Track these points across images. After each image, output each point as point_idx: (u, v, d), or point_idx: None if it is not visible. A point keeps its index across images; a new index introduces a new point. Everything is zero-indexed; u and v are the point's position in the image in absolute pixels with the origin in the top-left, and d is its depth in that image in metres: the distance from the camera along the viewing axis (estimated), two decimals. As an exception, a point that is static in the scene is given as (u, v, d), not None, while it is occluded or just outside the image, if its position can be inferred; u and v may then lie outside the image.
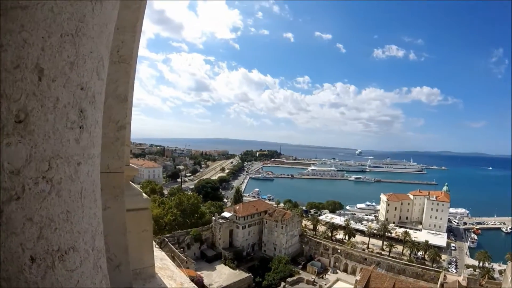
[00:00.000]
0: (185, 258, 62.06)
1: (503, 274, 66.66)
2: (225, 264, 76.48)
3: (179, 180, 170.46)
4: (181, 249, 69.99)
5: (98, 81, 1.61)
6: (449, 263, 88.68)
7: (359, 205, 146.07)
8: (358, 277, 61.29)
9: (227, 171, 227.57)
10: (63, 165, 1.38)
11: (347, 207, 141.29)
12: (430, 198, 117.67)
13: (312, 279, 73.27)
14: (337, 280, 67.52)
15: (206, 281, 61.74)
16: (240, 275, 72.05)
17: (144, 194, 4.25)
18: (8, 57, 1.20)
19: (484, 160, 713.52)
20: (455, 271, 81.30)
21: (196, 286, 4.47)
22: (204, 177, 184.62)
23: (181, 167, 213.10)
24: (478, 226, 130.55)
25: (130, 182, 4.28)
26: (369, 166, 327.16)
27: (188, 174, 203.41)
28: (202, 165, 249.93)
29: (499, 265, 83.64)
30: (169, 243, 67.36)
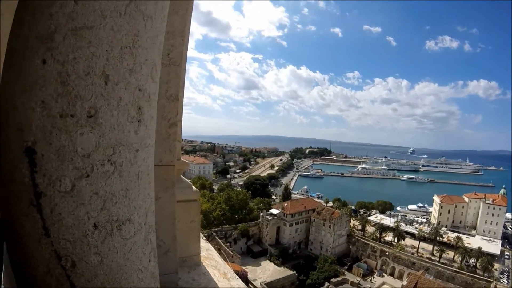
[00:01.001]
0: (231, 253, 63.14)
1: None
2: (270, 261, 77.18)
3: (228, 176, 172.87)
4: (228, 244, 71.19)
5: (152, 83, 1.88)
6: (501, 273, 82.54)
7: (410, 207, 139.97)
8: (404, 282, 59.91)
9: (276, 168, 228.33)
10: (124, 151, 1.67)
11: (398, 208, 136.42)
12: (486, 202, 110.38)
13: (357, 281, 72.01)
14: (383, 284, 66.25)
15: (250, 276, 62.46)
16: (284, 272, 72.42)
17: (193, 187, 4.57)
18: (80, 67, 1.50)
19: None
20: (506, 282, 75.99)
21: (237, 277, 4.71)
22: (253, 173, 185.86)
23: (231, 163, 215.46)
24: None
25: (181, 176, 4.59)
26: (423, 166, 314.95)
27: (238, 171, 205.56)
28: (252, 162, 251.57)
29: None
30: (216, 237, 68.81)
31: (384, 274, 79.37)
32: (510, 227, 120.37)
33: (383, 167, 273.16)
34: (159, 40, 1.91)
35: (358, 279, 73.78)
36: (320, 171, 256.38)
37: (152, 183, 1.98)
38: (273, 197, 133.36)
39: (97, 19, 1.56)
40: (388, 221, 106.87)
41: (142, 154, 1.83)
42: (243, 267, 60.85)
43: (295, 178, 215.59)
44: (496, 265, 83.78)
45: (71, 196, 1.52)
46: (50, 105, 1.49)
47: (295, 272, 73.49)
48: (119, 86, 1.65)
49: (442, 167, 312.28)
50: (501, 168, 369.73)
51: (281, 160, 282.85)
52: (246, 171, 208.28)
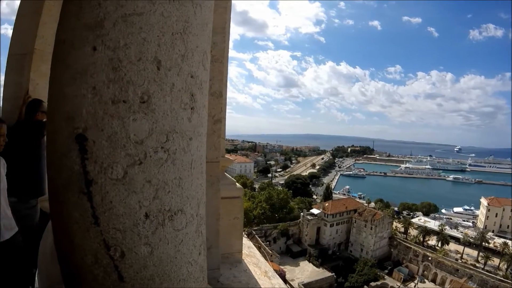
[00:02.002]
0: (270, 252, 63.40)
1: None
2: (309, 261, 77.13)
3: (269, 175, 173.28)
4: (268, 243, 71.67)
5: (204, 71, 1.89)
6: None
7: (456, 209, 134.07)
8: (446, 289, 58.07)
9: (317, 167, 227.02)
10: (178, 139, 1.64)
11: (443, 211, 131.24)
12: None
13: (397, 286, 70.73)
14: (423, 290, 64.39)
15: (288, 276, 62.70)
16: (323, 273, 72.06)
17: (237, 184, 4.61)
18: (132, 52, 1.49)
19: None
20: None
21: (277, 275, 4.72)
22: (295, 172, 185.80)
23: (272, 162, 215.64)
24: None
25: (225, 173, 4.64)
26: (470, 165, 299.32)
27: (279, 170, 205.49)
28: (293, 161, 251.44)
29: None
30: (256, 235, 69.29)
31: (425, 280, 77.17)
32: None
33: (427, 167, 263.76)
34: (208, 29, 1.91)
35: (398, 284, 72.48)
36: (362, 170, 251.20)
37: (204, 174, 2.00)
38: (314, 196, 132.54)
39: (146, 5, 1.55)
40: (432, 224, 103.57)
41: (195, 142, 1.81)
42: (281, 267, 61.13)
43: (336, 177, 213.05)
44: None
45: (122, 183, 1.49)
46: (102, 91, 1.47)
47: (333, 274, 72.88)
48: (172, 72, 1.63)
49: (491, 166, 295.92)
50: None
51: (322, 159, 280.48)
52: (287, 170, 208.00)
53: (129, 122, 1.50)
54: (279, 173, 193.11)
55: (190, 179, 1.79)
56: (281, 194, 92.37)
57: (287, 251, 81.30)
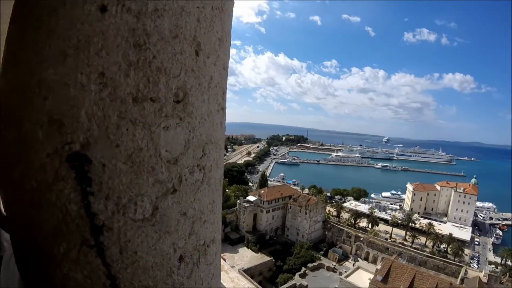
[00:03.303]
0: (210, 239, 63.51)
1: None
2: (248, 247, 78.00)
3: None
4: (206, 231, 71.53)
5: (228, 63, 1.58)
6: (472, 258, 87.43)
7: (384, 194, 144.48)
8: (378, 267, 61.39)
9: (253, 155, 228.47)
10: (213, 152, 1.34)
11: (372, 195, 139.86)
12: (458, 190, 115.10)
13: (333, 266, 74.11)
14: (358, 268, 67.70)
15: (228, 263, 62.97)
16: (262, 258, 73.48)
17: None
18: (166, 24, 1.10)
19: None
20: (476, 266, 79.88)
21: (235, 270, 5.06)
22: (230, 161, 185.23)
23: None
24: (505, 222, 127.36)
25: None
26: (397, 154, 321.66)
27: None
28: (229, 149, 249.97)
29: None
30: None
31: (359, 258, 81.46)
32: (480, 215, 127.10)
33: (357, 155, 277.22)
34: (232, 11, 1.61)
35: (334, 263, 75.98)
36: (296, 158, 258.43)
37: None
38: (250, 184, 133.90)
39: None
40: (363, 207, 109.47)
41: (223, 152, 1.54)
42: (221, 255, 61.34)
43: (271, 165, 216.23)
44: (467, 251, 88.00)
45: (152, 224, 1.12)
46: (115, 82, 1.03)
47: (272, 258, 74.49)
48: (210, 60, 1.31)
49: (416, 156, 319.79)
50: (473, 159, 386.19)
51: (258, 147, 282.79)
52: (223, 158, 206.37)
53: (160, 131, 1.10)
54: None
55: (219, 198, 1.54)
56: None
57: (226, 238, 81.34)
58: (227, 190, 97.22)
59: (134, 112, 1.04)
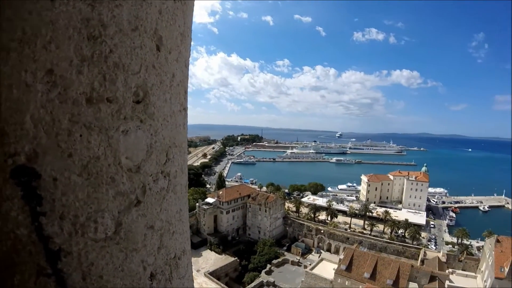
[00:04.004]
0: (171, 245, 62.18)
1: (481, 250, 69.79)
2: (211, 250, 77.51)
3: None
4: (167, 237, 70.10)
5: (189, 60, 1.40)
6: (429, 240, 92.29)
7: (340, 186, 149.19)
8: (341, 256, 62.59)
9: (209, 157, 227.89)
10: (177, 155, 1.20)
11: (329, 189, 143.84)
12: (410, 179, 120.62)
13: (297, 260, 74.83)
14: (321, 260, 68.64)
15: (193, 267, 62.10)
16: (226, 259, 73.03)
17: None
18: (124, 14, 0.99)
19: (463, 142, 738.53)
20: (434, 248, 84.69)
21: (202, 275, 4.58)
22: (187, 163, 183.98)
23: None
24: (456, 205, 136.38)
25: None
26: (350, 148, 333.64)
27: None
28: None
29: (477, 242, 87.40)
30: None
31: (321, 250, 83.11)
32: (433, 200, 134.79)
33: (311, 151, 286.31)
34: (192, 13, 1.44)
35: (298, 258, 76.86)
36: (252, 157, 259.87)
37: None
38: (208, 186, 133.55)
39: None
40: (321, 201, 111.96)
41: (186, 156, 1.37)
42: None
43: (228, 165, 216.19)
44: (423, 234, 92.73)
45: (116, 242, 1.00)
46: (66, 80, 0.90)
47: (236, 258, 74.30)
48: (172, 56, 1.19)
49: (368, 149, 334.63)
50: (422, 149, 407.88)
51: (213, 148, 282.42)
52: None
53: (119, 136, 0.99)
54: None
55: (186, 206, 1.38)
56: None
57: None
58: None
59: (89, 115, 0.92)
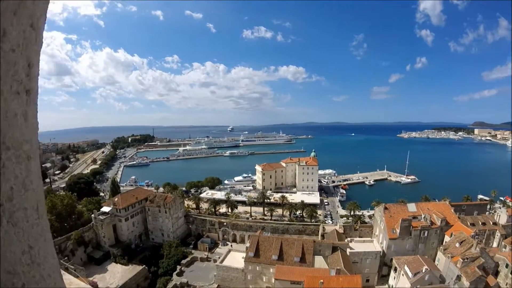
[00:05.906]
0: (72, 267, 58.72)
1: (372, 218, 79.32)
2: (116, 262, 74.96)
3: (47, 180, 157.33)
4: (66, 258, 66.20)
5: (43, 20, 1.25)
6: (325, 216, 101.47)
7: (237, 178, 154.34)
8: (247, 244, 64.65)
9: (99, 162, 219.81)
10: (12, 164, 0.87)
11: (226, 182, 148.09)
12: (301, 164, 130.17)
13: (206, 256, 76.04)
14: (229, 251, 70.19)
15: (101, 285, 59.50)
16: (134, 269, 71.50)
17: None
18: None
19: (346, 128, 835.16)
20: (331, 222, 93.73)
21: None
22: (75, 172, 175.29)
23: (48, 164, 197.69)
24: (345, 182, 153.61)
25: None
26: (242, 141, 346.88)
27: (57, 172, 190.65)
28: (72, 159, 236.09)
29: (368, 211, 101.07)
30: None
31: (227, 242, 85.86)
32: (323, 181, 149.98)
33: (204, 147, 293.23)
34: None
35: (206, 253, 78.29)
36: (145, 158, 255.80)
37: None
38: (102, 194, 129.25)
39: None
40: (219, 194, 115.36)
41: (35, 164, 1.04)
42: (90, 278, 57.34)
43: (121, 169, 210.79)
44: (319, 211, 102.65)
45: None
46: None
47: (144, 266, 73.32)
48: None
49: (260, 140, 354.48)
50: (310, 136, 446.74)
51: (103, 152, 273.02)
52: (66, 171, 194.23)
53: None
54: (58, 176, 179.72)
55: (46, 238, 1.10)
56: (65, 199, 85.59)
57: (90, 259, 76.70)
58: (78, 206, 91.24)
59: None
